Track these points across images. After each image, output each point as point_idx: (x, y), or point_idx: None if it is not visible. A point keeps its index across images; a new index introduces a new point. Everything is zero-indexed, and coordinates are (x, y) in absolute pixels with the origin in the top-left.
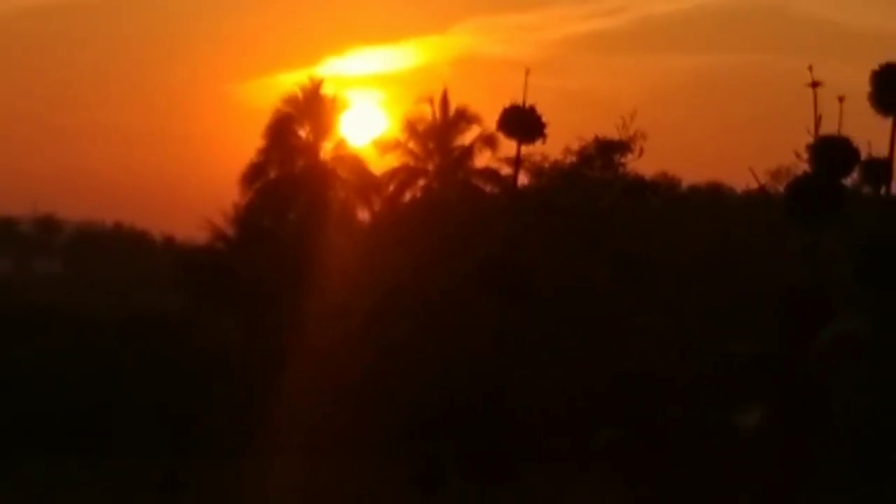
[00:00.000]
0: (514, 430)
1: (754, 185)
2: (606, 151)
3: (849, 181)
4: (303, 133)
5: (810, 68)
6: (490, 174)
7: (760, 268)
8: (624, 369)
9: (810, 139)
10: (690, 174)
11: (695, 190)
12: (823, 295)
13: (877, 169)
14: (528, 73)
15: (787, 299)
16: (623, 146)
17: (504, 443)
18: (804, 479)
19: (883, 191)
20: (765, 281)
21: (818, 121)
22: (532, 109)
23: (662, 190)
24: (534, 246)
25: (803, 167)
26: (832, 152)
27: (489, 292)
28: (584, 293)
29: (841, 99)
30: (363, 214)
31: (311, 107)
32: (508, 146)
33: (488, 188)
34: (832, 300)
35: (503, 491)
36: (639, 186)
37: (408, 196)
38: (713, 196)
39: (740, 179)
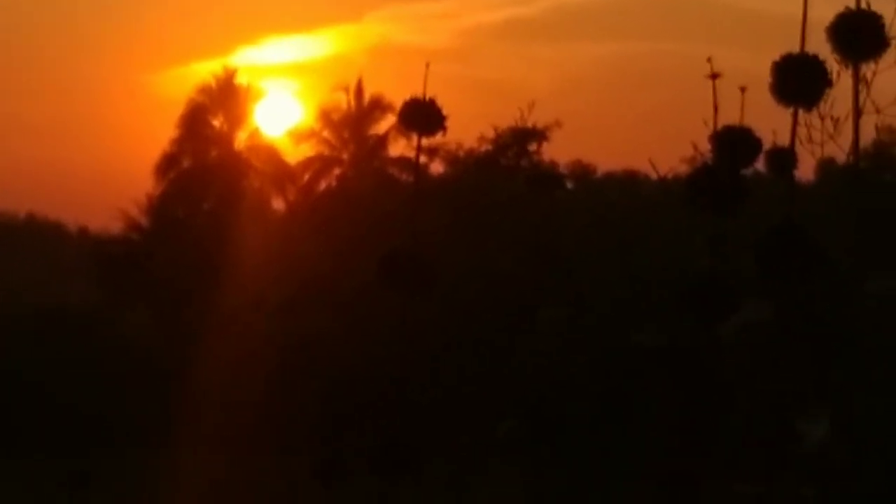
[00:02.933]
0: (416, 423)
1: (668, 173)
2: (521, 140)
3: (754, 170)
4: (216, 123)
5: (709, 60)
6: (405, 163)
7: (668, 257)
8: (527, 362)
9: (708, 131)
10: (610, 161)
11: (610, 177)
12: (727, 284)
13: (781, 158)
14: (427, 66)
15: (692, 289)
16: (538, 134)
17: (406, 436)
18: (708, 466)
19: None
20: (672, 271)
21: (716, 112)
22: (432, 102)
23: (576, 178)
24: (440, 236)
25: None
26: (734, 142)
27: (391, 286)
28: (489, 284)
29: (743, 89)
30: (278, 204)
31: (225, 96)
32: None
33: (404, 177)
34: (736, 289)
35: (405, 484)
36: (542, 177)
37: (323, 185)
38: (628, 184)
39: (658, 167)
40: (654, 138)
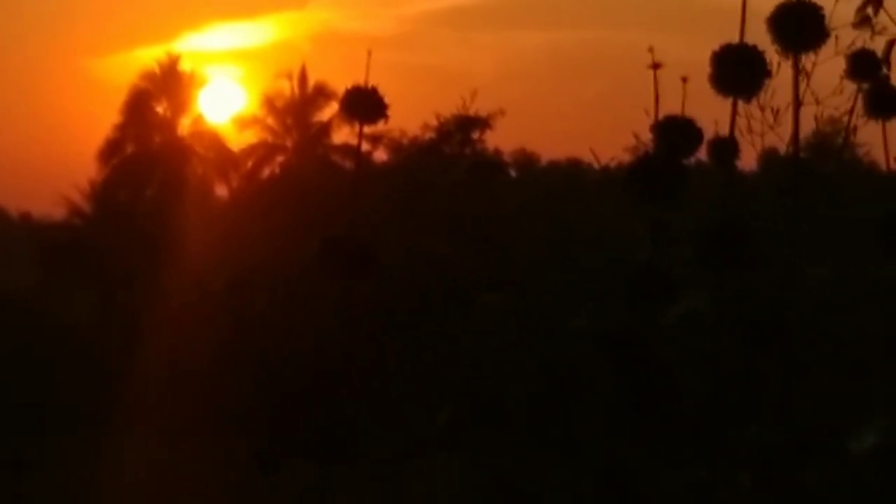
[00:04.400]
0: (357, 409)
1: (610, 162)
2: (464, 128)
3: (698, 160)
4: (160, 109)
5: (651, 49)
6: (348, 150)
7: (610, 245)
8: (467, 348)
9: (650, 121)
10: (553, 149)
11: (554, 166)
12: (667, 274)
13: (723, 147)
14: (370, 53)
15: (632, 278)
16: (481, 122)
17: (345, 422)
18: (648, 457)
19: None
20: (613, 260)
21: (657, 102)
22: (374, 90)
23: (519, 166)
24: (382, 222)
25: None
26: (675, 132)
27: (330, 269)
28: (431, 269)
29: (684, 79)
30: (221, 191)
31: (169, 83)
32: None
33: (347, 164)
34: (676, 279)
35: (342, 470)
36: (484, 164)
37: (266, 172)
38: (571, 172)
39: (601, 156)
40: (597, 127)
